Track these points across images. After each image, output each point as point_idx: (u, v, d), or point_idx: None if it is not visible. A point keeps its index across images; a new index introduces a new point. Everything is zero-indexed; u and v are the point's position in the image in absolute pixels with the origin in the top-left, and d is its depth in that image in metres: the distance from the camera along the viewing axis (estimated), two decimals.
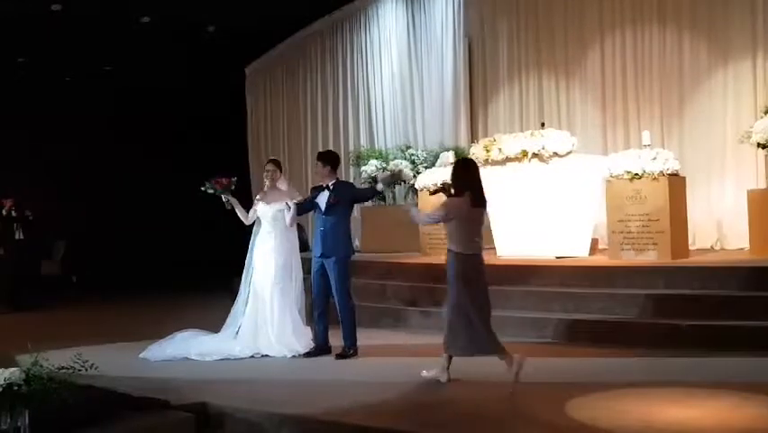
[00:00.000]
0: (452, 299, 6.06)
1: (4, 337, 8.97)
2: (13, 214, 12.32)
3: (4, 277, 12.09)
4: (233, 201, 7.73)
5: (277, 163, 7.93)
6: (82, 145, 16.85)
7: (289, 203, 7.40)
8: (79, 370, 4.60)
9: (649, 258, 8.31)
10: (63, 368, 4.59)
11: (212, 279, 12.80)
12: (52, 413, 4.39)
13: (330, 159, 7.54)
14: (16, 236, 12.24)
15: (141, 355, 7.51)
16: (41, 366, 4.48)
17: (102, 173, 17.06)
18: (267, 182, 7.73)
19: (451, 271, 6.05)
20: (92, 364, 4.70)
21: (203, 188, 7.70)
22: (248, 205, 7.84)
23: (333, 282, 7.21)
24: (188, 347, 7.51)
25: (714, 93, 9.90)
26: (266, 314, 7.56)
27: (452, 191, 6.10)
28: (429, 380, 6.06)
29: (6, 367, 4.47)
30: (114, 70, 15.66)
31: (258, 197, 7.80)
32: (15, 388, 4.28)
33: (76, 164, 16.75)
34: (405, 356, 7.15)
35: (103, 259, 16.15)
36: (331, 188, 7.30)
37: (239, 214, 7.75)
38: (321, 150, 14.43)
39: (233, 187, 7.68)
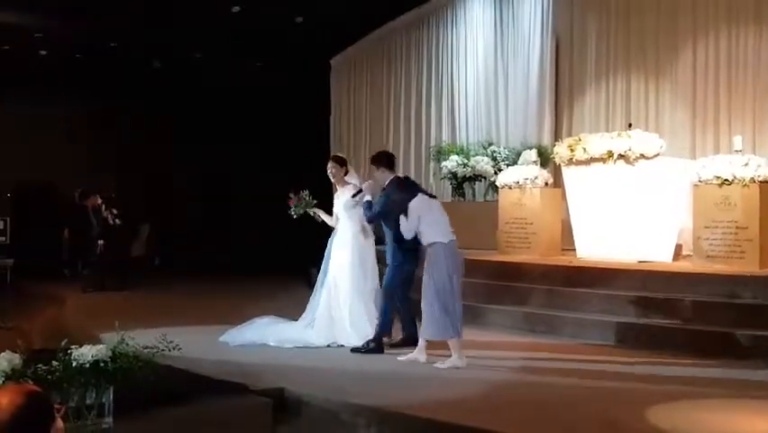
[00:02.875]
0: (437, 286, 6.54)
1: (91, 316, 9.30)
2: (103, 209, 12.69)
3: (103, 263, 12.53)
4: (319, 212, 7.88)
5: (337, 160, 7.99)
6: (173, 138, 17.30)
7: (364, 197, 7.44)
8: (163, 350, 4.72)
9: (736, 266, 8.06)
10: (147, 347, 4.71)
11: (290, 268, 12.97)
12: (136, 391, 4.52)
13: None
14: (110, 222, 12.59)
15: (220, 339, 7.69)
16: (127, 345, 4.60)
17: (190, 163, 17.47)
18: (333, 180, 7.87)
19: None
20: (175, 345, 4.82)
21: (293, 215, 7.87)
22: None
23: None
24: (267, 334, 7.66)
25: None
26: (340, 305, 7.64)
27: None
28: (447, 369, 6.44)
29: (93, 345, 4.61)
30: (202, 60, 15.95)
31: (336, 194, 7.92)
32: (102, 364, 4.41)
33: (167, 156, 17.19)
34: (479, 351, 7.12)
35: (186, 243, 16.52)
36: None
37: (327, 222, 7.89)
38: (402, 144, 14.59)
39: (307, 197, 7.82)
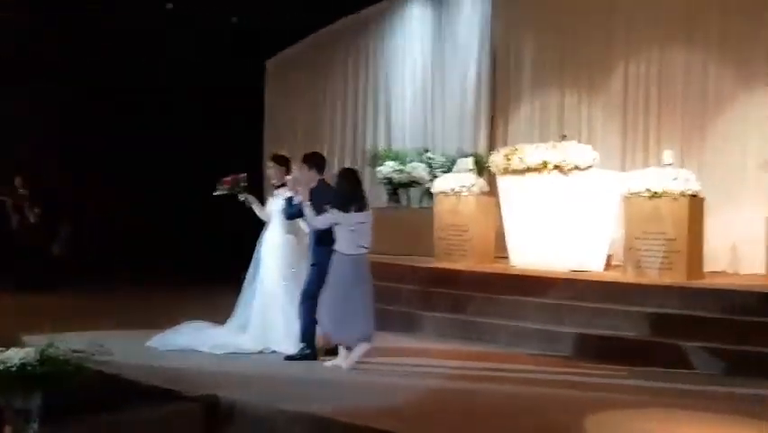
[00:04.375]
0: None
1: (12, 318, 8.97)
2: (23, 191, 12.29)
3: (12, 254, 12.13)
4: (250, 198, 7.70)
5: (277, 159, 7.81)
6: (99, 133, 16.83)
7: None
8: (93, 354, 4.57)
9: (664, 277, 8.25)
10: (77, 351, 4.56)
11: (221, 271, 12.75)
12: (64, 396, 4.37)
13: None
14: (27, 215, 12.22)
15: (148, 343, 7.50)
16: (56, 348, 4.45)
17: (116, 160, 17.04)
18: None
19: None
20: (106, 349, 4.68)
21: (215, 193, 7.66)
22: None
23: None
24: (198, 339, 7.49)
25: (736, 119, 9.86)
26: (275, 309, 7.53)
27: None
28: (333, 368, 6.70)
29: (19, 348, 4.44)
30: (135, 56, 15.62)
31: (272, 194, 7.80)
32: (29, 368, 4.25)
33: (93, 150, 16.72)
34: (413, 358, 7.18)
35: (109, 244, 16.11)
36: None
37: (257, 212, 7.71)
38: (338, 149, 14.55)
39: (243, 183, 7.63)
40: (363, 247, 6.79)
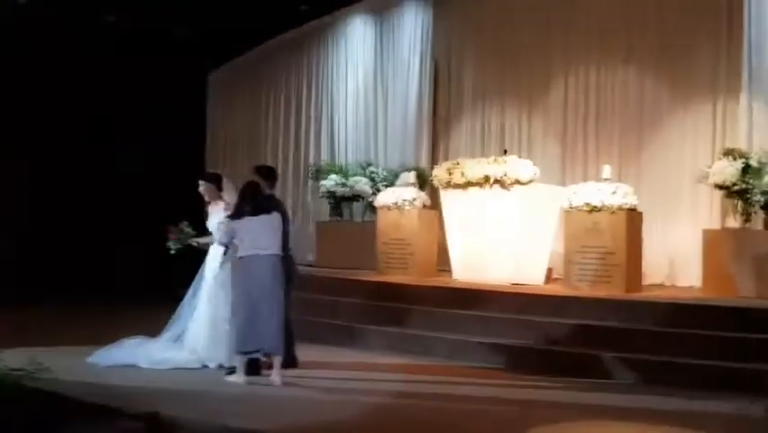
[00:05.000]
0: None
1: None
2: None
3: None
4: (201, 241, 7.58)
5: (207, 178, 7.81)
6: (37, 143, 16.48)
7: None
8: (32, 372, 4.48)
9: (603, 290, 8.40)
10: (14, 370, 4.47)
11: (159, 286, 12.56)
12: (3, 415, 4.27)
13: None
14: None
15: (88, 360, 7.36)
16: None
17: (54, 173, 16.69)
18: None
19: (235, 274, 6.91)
20: (45, 367, 4.59)
21: (172, 251, 7.56)
22: None
23: None
24: (138, 355, 7.39)
25: (673, 134, 10.09)
26: (216, 326, 7.45)
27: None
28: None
29: None
30: (74, 68, 15.35)
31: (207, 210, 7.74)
32: None
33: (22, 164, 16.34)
34: (354, 372, 7.20)
35: (48, 259, 15.75)
36: None
37: (211, 242, 7.56)
38: (281, 162, 14.47)
39: (186, 228, 7.56)
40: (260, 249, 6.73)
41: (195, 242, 7.57)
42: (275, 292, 6.64)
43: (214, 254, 7.52)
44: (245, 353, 6.68)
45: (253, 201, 6.79)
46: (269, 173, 7.55)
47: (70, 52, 14.27)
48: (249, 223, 6.70)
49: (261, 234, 6.71)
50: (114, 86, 15.87)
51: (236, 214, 6.79)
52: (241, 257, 6.72)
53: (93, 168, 16.77)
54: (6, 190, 15.32)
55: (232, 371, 6.89)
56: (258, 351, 6.70)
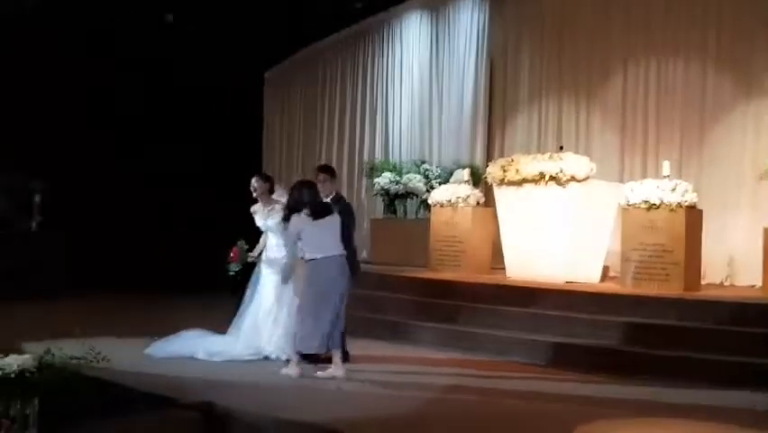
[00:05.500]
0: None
1: (10, 325, 8.97)
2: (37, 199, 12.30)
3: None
4: (253, 254, 7.75)
5: (262, 178, 7.94)
6: (102, 142, 16.84)
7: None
8: (91, 361, 4.58)
9: (661, 288, 8.26)
10: (75, 358, 4.56)
11: (217, 280, 12.75)
12: (61, 403, 4.37)
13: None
14: (31, 225, 12.21)
15: (146, 351, 7.53)
16: (54, 355, 4.45)
17: (116, 169, 17.04)
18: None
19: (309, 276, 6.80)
20: (104, 357, 4.68)
21: (231, 273, 7.69)
22: None
23: None
24: (195, 346, 7.54)
25: (734, 128, 9.87)
26: (267, 320, 7.59)
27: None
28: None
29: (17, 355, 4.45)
30: (132, 68, 15.65)
31: (252, 209, 7.85)
32: (28, 375, 4.26)
33: (92, 159, 16.72)
34: (406, 366, 7.21)
35: (109, 253, 16.10)
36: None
37: (264, 250, 7.76)
38: (335, 160, 14.55)
39: (245, 248, 7.69)
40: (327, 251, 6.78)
41: (252, 259, 7.70)
42: (338, 290, 6.72)
43: (272, 254, 7.64)
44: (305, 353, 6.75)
45: (314, 203, 6.83)
46: (333, 172, 7.68)
47: (131, 52, 14.56)
48: (312, 226, 6.73)
49: (326, 235, 6.77)
50: (172, 84, 16.14)
51: (292, 212, 6.81)
52: (308, 260, 6.75)
53: (151, 166, 17.09)
54: (65, 185, 15.68)
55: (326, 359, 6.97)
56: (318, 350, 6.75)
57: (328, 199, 7.28)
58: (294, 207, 6.81)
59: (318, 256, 6.71)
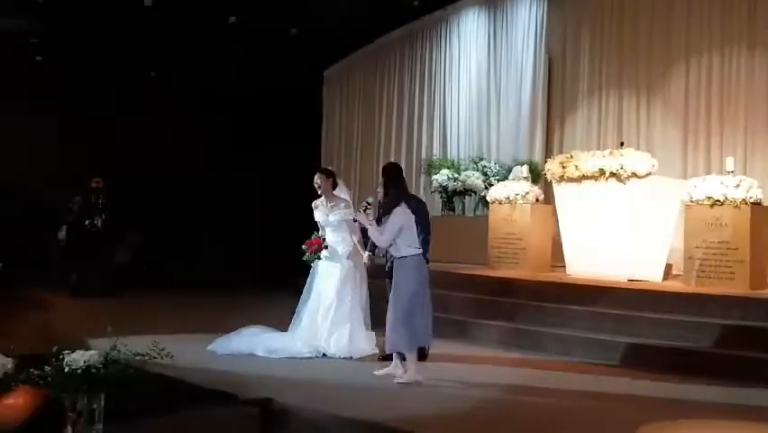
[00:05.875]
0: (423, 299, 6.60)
1: (79, 322, 9.23)
2: (101, 198, 12.57)
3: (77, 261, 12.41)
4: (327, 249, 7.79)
5: (324, 172, 7.96)
6: (169, 145, 17.21)
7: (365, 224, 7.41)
8: (155, 357, 4.66)
9: (726, 287, 8.09)
10: (139, 354, 4.66)
11: (277, 277, 12.93)
12: (126, 398, 4.47)
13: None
14: (96, 222, 12.47)
15: (208, 348, 7.66)
16: (119, 351, 4.55)
17: (179, 171, 17.38)
18: (320, 193, 7.84)
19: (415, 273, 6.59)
20: (168, 353, 4.76)
21: (304, 258, 7.75)
22: None
23: None
24: (255, 344, 7.65)
25: None
26: (323, 316, 7.68)
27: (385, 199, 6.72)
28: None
29: (85, 351, 4.55)
30: (196, 68, 15.93)
31: (312, 205, 7.91)
32: (94, 371, 4.36)
33: (158, 161, 17.10)
34: (467, 365, 7.19)
35: (174, 252, 16.42)
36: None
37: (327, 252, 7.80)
38: (393, 157, 14.59)
39: (325, 245, 7.73)
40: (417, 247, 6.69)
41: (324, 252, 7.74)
42: (429, 289, 6.74)
43: (331, 250, 7.70)
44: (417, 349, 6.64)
45: (407, 198, 6.79)
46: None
47: (203, 51, 14.78)
48: (412, 220, 6.62)
49: (415, 232, 6.66)
50: (234, 86, 16.40)
51: (396, 204, 6.64)
52: (413, 255, 6.58)
53: (213, 166, 17.39)
54: (135, 185, 16.02)
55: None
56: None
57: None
58: (398, 199, 6.70)
59: (415, 253, 6.59)
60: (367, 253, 7.45)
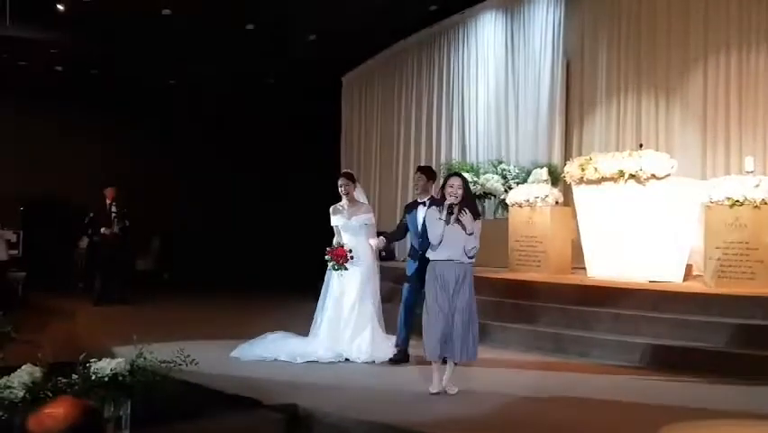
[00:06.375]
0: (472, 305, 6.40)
1: (103, 330, 9.36)
2: (114, 209, 12.68)
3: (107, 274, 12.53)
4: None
5: (349, 177, 8.06)
6: (182, 148, 17.39)
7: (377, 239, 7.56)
8: (180, 364, 4.74)
9: (746, 287, 8.08)
10: (164, 361, 4.74)
11: (299, 281, 13.01)
12: (152, 405, 4.55)
13: (432, 174, 7.63)
14: (113, 229, 12.58)
15: (232, 354, 7.73)
16: (145, 358, 4.63)
17: (197, 175, 17.55)
18: (343, 197, 7.89)
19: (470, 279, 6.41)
20: (193, 360, 4.84)
21: (336, 268, 7.75)
22: None
23: None
24: (278, 349, 7.71)
25: None
26: (345, 320, 7.74)
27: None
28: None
29: (111, 359, 4.64)
30: (215, 74, 16.07)
31: (331, 209, 7.97)
32: (120, 378, 4.45)
33: (173, 166, 17.28)
34: (488, 369, 7.19)
35: (194, 258, 16.57)
36: (427, 204, 7.13)
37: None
38: (413, 161, 14.64)
39: (351, 257, 7.71)
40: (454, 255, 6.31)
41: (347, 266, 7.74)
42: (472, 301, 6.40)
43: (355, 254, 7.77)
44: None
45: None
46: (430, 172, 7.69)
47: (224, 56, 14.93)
48: (450, 226, 6.17)
49: (459, 238, 6.24)
50: (253, 91, 16.52)
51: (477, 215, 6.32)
52: (471, 262, 6.33)
53: (234, 172, 17.53)
54: (157, 191, 16.18)
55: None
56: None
57: (425, 200, 7.32)
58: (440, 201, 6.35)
59: (443, 258, 6.29)
60: (381, 237, 7.62)
